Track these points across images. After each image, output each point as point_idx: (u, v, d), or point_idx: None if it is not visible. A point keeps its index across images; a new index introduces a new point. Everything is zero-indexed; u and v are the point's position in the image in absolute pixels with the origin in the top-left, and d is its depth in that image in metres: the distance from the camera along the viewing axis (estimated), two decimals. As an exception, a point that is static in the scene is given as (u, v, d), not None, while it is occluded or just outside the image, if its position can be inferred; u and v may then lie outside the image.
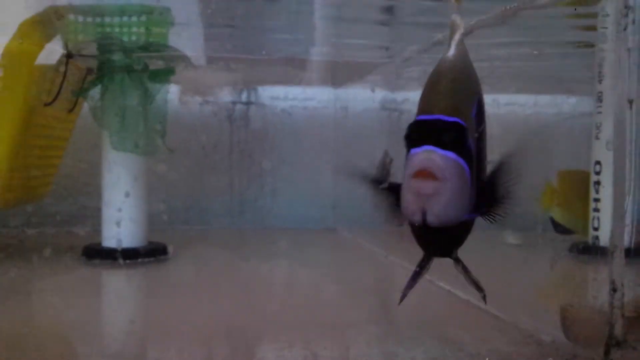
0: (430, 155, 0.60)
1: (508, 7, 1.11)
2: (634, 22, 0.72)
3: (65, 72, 1.49)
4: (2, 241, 1.63)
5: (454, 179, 0.60)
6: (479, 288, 0.73)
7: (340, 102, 2.25)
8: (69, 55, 1.49)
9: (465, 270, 0.72)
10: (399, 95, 2.20)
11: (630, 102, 0.73)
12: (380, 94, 2.17)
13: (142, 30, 1.47)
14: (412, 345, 0.91)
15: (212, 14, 1.47)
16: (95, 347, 0.92)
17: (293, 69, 1.92)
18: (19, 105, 1.43)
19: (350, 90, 2.22)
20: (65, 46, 1.48)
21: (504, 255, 1.65)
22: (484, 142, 0.70)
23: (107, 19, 1.49)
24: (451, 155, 0.61)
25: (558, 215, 1.76)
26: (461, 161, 0.61)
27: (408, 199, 0.61)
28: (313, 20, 1.51)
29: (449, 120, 0.62)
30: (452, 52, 0.70)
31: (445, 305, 1.18)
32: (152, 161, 1.58)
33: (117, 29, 1.45)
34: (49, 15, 1.42)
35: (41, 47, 1.46)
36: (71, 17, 1.47)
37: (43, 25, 1.44)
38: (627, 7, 0.71)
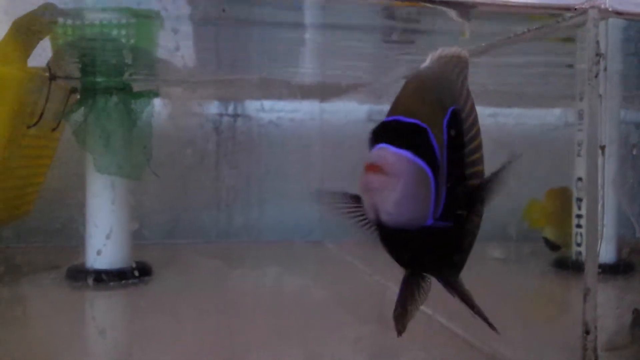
0: (381, 152, 0.61)
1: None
2: (605, 69, 0.72)
3: (48, 94, 1.49)
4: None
5: (407, 177, 0.60)
6: (484, 319, 0.72)
7: (327, 113, 2.25)
8: (52, 77, 1.49)
9: (463, 299, 0.71)
10: (386, 108, 2.20)
11: (602, 148, 0.74)
12: (366, 106, 2.18)
13: (130, 32, 1.46)
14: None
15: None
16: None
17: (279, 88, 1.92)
18: (4, 128, 1.43)
19: (336, 103, 2.23)
20: (49, 68, 1.47)
21: (487, 270, 1.66)
22: (461, 153, 0.67)
23: (97, 21, 1.48)
24: (406, 153, 0.60)
25: (549, 232, 1.80)
26: (419, 162, 0.61)
27: (363, 196, 0.62)
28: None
29: (406, 121, 0.62)
30: (425, 64, 0.71)
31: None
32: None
33: (99, 31, 1.44)
34: (24, 26, 1.41)
35: (24, 68, 1.45)
36: (60, 20, 1.47)
37: (19, 40, 1.43)
38: (598, 54, 0.72)
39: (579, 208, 1.64)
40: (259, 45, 1.56)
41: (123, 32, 1.44)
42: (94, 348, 1.13)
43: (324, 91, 2.10)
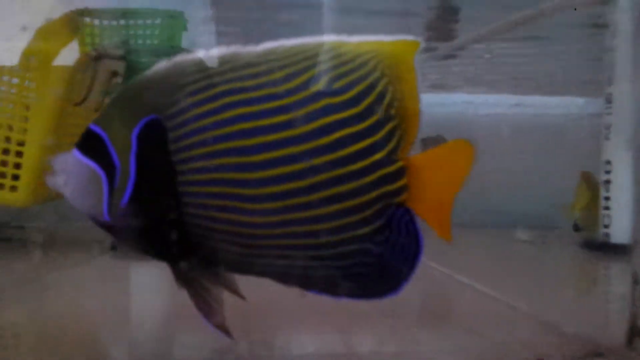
0: (62, 155, 0.72)
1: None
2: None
3: (94, 74, 1.53)
4: (36, 237, 1.66)
5: (72, 174, 0.71)
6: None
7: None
8: (98, 57, 1.53)
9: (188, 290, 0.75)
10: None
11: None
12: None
13: (157, 32, 1.51)
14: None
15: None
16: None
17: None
18: (48, 106, 1.47)
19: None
20: (95, 48, 1.52)
21: (516, 251, 1.69)
22: (163, 158, 0.70)
23: (122, 22, 1.53)
24: (76, 155, 0.71)
25: (579, 215, 1.84)
26: (89, 162, 0.70)
27: None
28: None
29: (90, 128, 0.71)
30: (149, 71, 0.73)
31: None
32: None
33: (132, 32, 1.49)
34: (66, 20, 1.46)
35: (57, 51, 1.50)
36: (87, 20, 1.52)
37: (59, 30, 1.48)
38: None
39: (607, 190, 1.67)
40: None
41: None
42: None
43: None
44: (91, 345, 0.88)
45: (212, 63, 0.70)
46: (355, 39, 0.71)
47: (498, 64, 1.93)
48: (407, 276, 0.71)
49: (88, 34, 1.50)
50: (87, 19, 1.51)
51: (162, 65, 0.70)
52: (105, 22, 1.49)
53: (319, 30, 1.48)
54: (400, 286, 0.71)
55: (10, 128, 1.48)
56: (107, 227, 0.73)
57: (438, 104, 2.25)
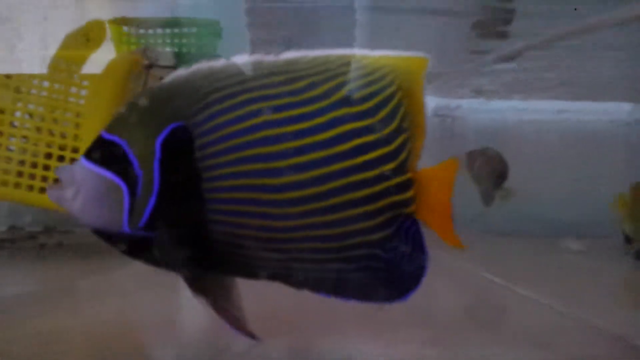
0: (68, 166, 0.69)
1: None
2: None
3: (145, 81, 1.55)
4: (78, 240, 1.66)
5: (87, 187, 0.67)
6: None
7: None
8: (149, 66, 1.55)
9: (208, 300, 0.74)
10: (452, 102, 2.21)
11: None
12: (433, 101, 2.18)
13: (194, 41, 1.52)
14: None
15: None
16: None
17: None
18: (107, 112, 1.49)
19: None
20: (147, 57, 1.54)
21: (570, 262, 1.65)
22: (189, 167, 0.70)
23: (159, 31, 1.54)
24: (89, 166, 0.68)
25: (627, 226, 1.79)
26: (107, 174, 0.67)
27: None
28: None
29: (105, 137, 0.68)
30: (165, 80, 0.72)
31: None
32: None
33: (170, 40, 1.50)
34: (93, 28, 1.48)
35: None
36: (125, 29, 1.53)
37: (88, 38, 1.50)
38: None
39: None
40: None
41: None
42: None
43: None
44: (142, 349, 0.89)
45: (235, 70, 0.71)
46: (374, 53, 0.74)
47: (543, 69, 1.88)
48: (414, 286, 0.73)
49: (126, 42, 1.51)
50: (125, 28, 1.52)
51: (181, 72, 0.71)
52: (143, 31, 1.50)
53: (356, 34, 1.47)
54: (407, 294, 0.74)
55: (51, 133, 1.48)
56: (119, 240, 0.70)
57: (481, 111, 2.22)
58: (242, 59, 0.72)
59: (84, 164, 0.68)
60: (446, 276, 1.34)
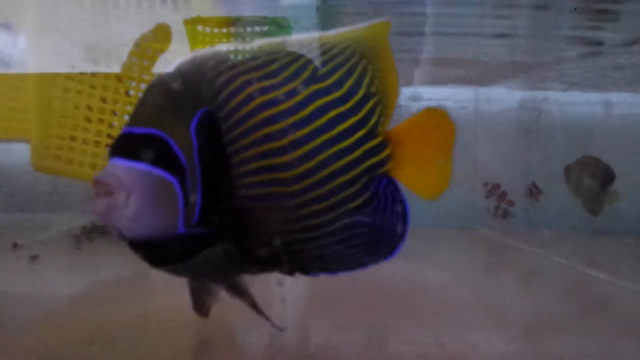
0: (110, 168, 0.60)
1: None
2: None
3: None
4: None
5: (140, 190, 0.60)
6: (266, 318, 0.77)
7: (479, 102, 2.18)
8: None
9: (245, 299, 0.75)
10: (538, 95, 2.12)
11: None
12: (518, 94, 2.10)
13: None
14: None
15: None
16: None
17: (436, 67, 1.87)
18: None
19: (486, 90, 2.15)
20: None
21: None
22: (221, 154, 0.67)
23: (232, 29, 1.54)
24: (138, 165, 0.60)
25: None
26: (158, 171, 0.60)
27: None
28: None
29: (140, 132, 0.61)
30: (169, 69, 0.70)
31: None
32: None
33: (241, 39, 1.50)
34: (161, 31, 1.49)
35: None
36: (199, 28, 1.54)
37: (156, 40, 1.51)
38: None
39: None
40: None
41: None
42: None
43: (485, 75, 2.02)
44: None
45: (225, 56, 0.73)
46: (332, 31, 0.77)
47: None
48: (400, 238, 0.76)
49: (200, 42, 1.52)
50: (200, 27, 1.53)
51: (187, 59, 0.71)
52: (216, 30, 1.51)
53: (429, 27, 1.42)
54: (396, 248, 0.76)
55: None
56: (172, 245, 0.65)
57: (569, 104, 2.12)
58: (235, 45, 0.75)
59: (128, 164, 0.61)
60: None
